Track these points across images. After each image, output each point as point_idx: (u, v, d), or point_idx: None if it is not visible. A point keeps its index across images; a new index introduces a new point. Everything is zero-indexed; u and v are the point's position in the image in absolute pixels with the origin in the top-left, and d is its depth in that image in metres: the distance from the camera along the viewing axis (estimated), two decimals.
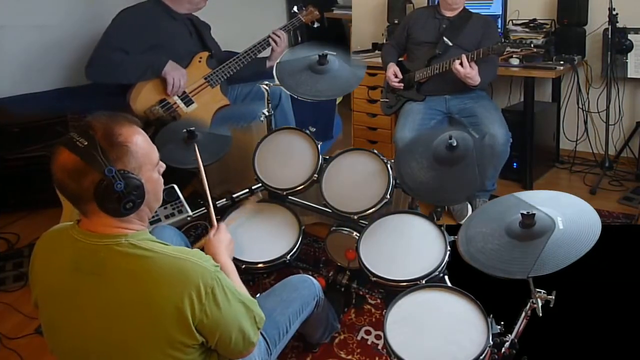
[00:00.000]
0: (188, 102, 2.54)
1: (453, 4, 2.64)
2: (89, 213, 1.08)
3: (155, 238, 1.12)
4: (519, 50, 2.35)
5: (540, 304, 1.37)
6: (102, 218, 1.08)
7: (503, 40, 2.48)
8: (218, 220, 1.62)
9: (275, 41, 2.67)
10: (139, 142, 1.09)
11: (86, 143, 1.02)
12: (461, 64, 2.42)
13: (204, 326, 1.07)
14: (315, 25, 2.79)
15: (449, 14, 2.68)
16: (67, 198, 1.09)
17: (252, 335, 1.18)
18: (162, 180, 1.18)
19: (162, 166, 1.18)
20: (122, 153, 1.05)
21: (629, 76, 3.00)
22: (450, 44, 2.59)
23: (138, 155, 1.08)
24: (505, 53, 2.37)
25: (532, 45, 2.33)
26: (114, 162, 1.03)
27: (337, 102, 3.50)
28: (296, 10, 2.77)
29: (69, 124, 2.69)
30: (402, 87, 2.74)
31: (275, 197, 2.06)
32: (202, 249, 1.31)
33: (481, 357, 1.30)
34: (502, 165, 2.61)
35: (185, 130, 2.06)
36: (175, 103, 2.51)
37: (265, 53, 2.75)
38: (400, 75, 2.72)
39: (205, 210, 2.20)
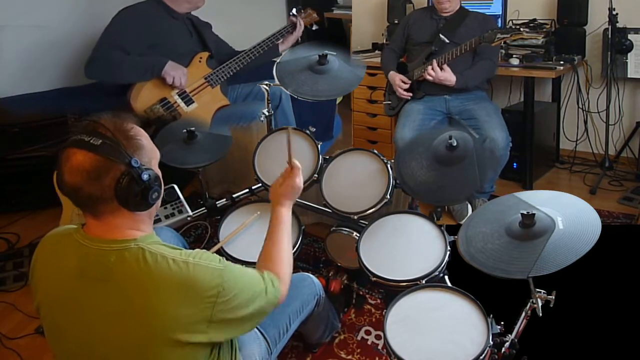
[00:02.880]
0: (188, 101, 2.54)
1: (444, 9, 2.66)
2: (105, 215, 1.06)
3: (162, 241, 1.12)
4: (508, 35, 2.34)
5: (540, 304, 1.37)
6: (116, 218, 1.07)
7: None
8: (218, 221, 1.63)
9: (294, 26, 2.73)
10: (146, 138, 1.11)
11: (101, 141, 1.01)
12: (432, 68, 2.50)
13: (224, 321, 1.07)
14: (314, 28, 2.79)
15: (444, 14, 2.69)
16: (79, 203, 1.06)
17: (273, 296, 1.20)
18: None
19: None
20: (136, 147, 1.06)
21: (629, 76, 3.00)
22: (447, 41, 2.60)
23: (148, 150, 1.10)
24: (496, 40, 2.36)
25: (520, 29, 2.34)
26: (132, 154, 1.04)
27: (337, 102, 3.50)
28: (295, 13, 2.77)
29: (69, 124, 2.69)
30: (410, 97, 2.73)
31: None
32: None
33: (481, 357, 1.30)
34: (502, 169, 2.62)
35: (185, 130, 2.06)
36: (176, 102, 2.52)
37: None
38: (408, 80, 2.72)
39: (206, 210, 2.20)
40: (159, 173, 1.14)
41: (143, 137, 1.10)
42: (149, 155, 1.10)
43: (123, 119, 1.08)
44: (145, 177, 1.04)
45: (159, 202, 1.15)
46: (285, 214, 1.42)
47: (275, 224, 1.39)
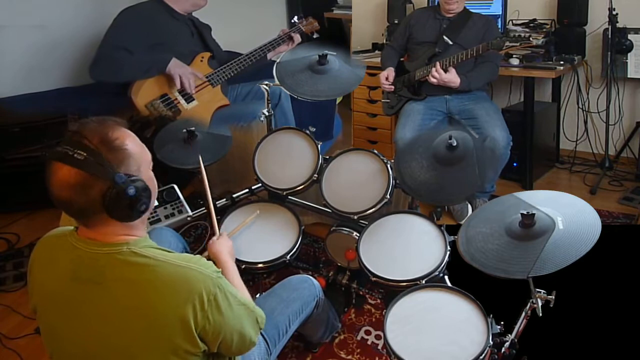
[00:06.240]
0: (189, 99, 2.55)
1: (449, 9, 2.66)
2: (96, 224, 1.06)
3: (156, 245, 1.12)
4: (517, 44, 2.35)
5: (540, 304, 1.37)
6: (108, 227, 1.06)
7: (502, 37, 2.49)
8: (218, 222, 1.64)
9: (290, 41, 2.72)
10: (134, 143, 1.08)
11: (85, 154, 0.99)
12: (436, 71, 2.51)
13: (206, 332, 1.07)
14: (315, 37, 2.80)
15: (449, 15, 2.69)
16: (71, 214, 1.06)
17: (253, 335, 1.19)
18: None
19: (151, 163, 1.17)
20: (122, 157, 1.04)
21: (629, 76, 3.00)
22: (451, 42, 2.60)
23: (136, 157, 1.07)
24: (504, 48, 2.37)
25: (530, 38, 2.34)
26: (117, 167, 1.02)
27: (337, 102, 3.49)
28: (296, 21, 2.78)
29: (69, 124, 2.69)
30: (392, 90, 2.77)
31: (275, 197, 2.06)
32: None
33: (481, 357, 1.30)
34: (502, 168, 2.62)
35: (185, 130, 2.06)
36: (176, 99, 2.52)
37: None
38: (391, 79, 2.74)
39: (206, 210, 2.20)
40: (151, 175, 1.12)
41: (130, 143, 1.06)
42: (138, 161, 1.07)
43: (108, 127, 1.05)
44: (130, 192, 1.02)
45: (152, 206, 1.14)
46: (230, 264, 1.45)
47: (227, 274, 1.40)
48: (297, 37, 2.74)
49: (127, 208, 1.03)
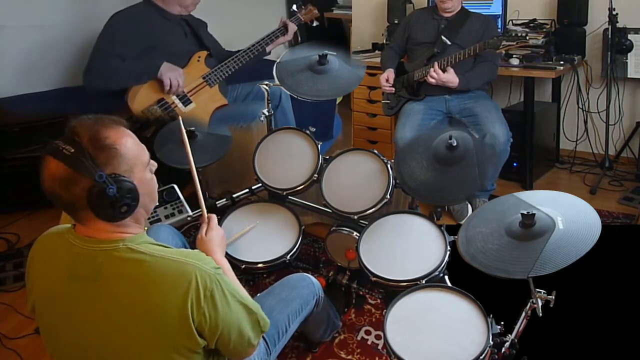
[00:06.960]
0: (186, 101, 2.54)
1: (446, 8, 2.66)
2: (86, 220, 1.06)
3: (153, 240, 1.12)
4: (514, 43, 2.35)
5: (540, 304, 1.37)
6: (98, 224, 1.06)
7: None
8: (219, 222, 1.62)
9: (286, 28, 2.71)
10: (128, 143, 1.07)
11: (73, 150, 1.00)
12: (434, 71, 2.51)
13: (202, 328, 1.06)
14: (315, 24, 2.79)
15: (446, 14, 2.69)
16: (61, 207, 1.06)
17: (253, 338, 1.18)
18: (155, 179, 1.16)
19: (154, 165, 1.16)
20: (111, 156, 1.03)
21: (629, 76, 3.00)
22: (449, 42, 2.60)
23: (128, 157, 1.06)
24: (501, 47, 2.38)
25: (527, 38, 2.34)
26: (103, 166, 1.01)
27: (337, 102, 3.49)
28: (295, 9, 2.77)
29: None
30: (392, 92, 2.77)
31: (275, 197, 2.06)
32: None
33: (481, 357, 1.30)
34: (503, 165, 2.62)
35: (185, 130, 2.06)
36: (174, 103, 2.51)
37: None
38: (391, 81, 2.75)
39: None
40: (146, 177, 1.12)
41: (123, 143, 1.06)
42: (130, 162, 1.06)
43: (102, 125, 1.05)
44: (110, 192, 1.01)
45: (152, 206, 1.15)
46: (223, 262, 1.40)
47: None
48: (293, 27, 2.73)
49: (109, 207, 1.03)
